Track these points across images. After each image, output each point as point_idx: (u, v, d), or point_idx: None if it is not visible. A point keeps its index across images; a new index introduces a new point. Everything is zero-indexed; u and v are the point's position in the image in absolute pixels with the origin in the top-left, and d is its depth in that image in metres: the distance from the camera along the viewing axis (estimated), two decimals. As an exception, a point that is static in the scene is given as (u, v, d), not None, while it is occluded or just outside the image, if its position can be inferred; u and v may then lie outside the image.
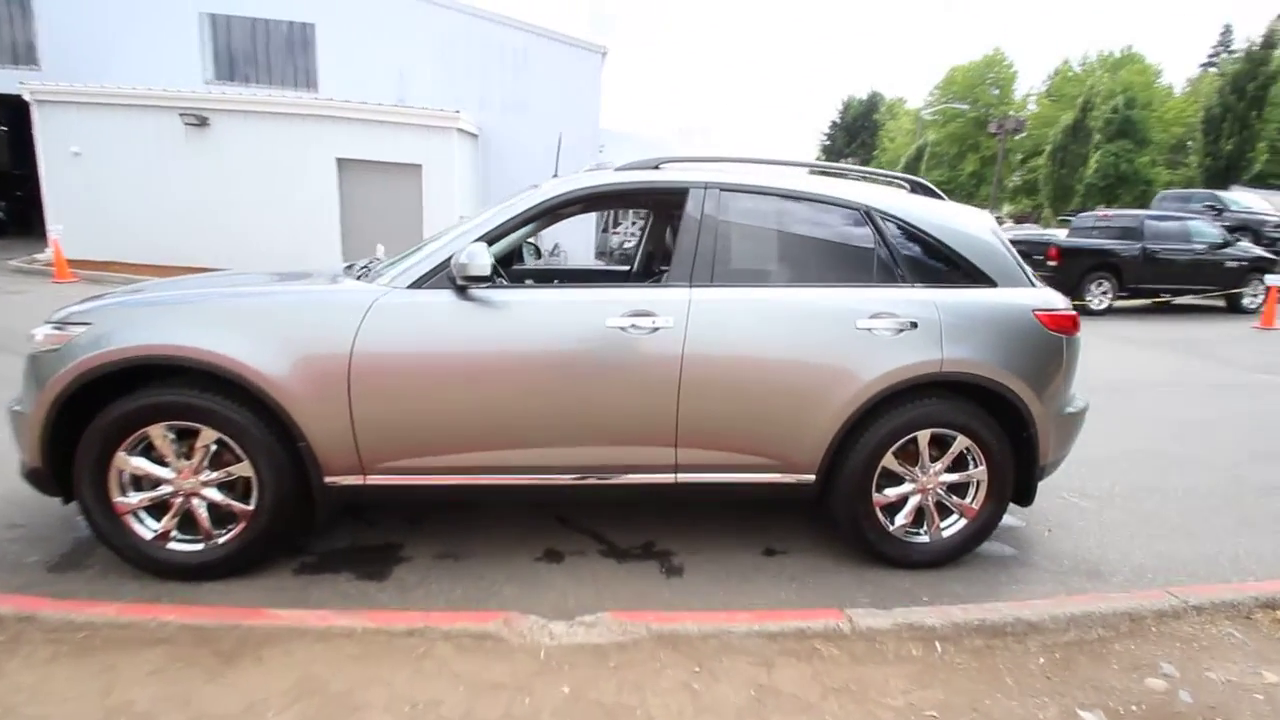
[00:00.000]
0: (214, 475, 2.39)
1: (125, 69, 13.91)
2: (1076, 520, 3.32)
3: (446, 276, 2.40)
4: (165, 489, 2.40)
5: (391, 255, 3.02)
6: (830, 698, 1.88)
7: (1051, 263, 10.98)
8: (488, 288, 2.40)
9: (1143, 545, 3.07)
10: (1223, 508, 3.51)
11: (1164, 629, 2.30)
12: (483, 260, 2.28)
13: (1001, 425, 2.67)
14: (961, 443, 2.65)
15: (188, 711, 1.73)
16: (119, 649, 1.94)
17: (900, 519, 2.70)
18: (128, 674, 1.85)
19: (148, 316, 2.36)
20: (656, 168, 2.69)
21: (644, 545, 2.86)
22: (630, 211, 20.23)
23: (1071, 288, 10.40)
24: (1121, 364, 7.48)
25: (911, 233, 2.68)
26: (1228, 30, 49.14)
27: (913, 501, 2.70)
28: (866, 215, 2.67)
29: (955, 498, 2.73)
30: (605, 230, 20.83)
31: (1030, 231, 17.96)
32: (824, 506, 2.71)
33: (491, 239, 2.48)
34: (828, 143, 58.41)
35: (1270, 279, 10.75)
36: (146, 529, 2.41)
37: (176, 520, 2.42)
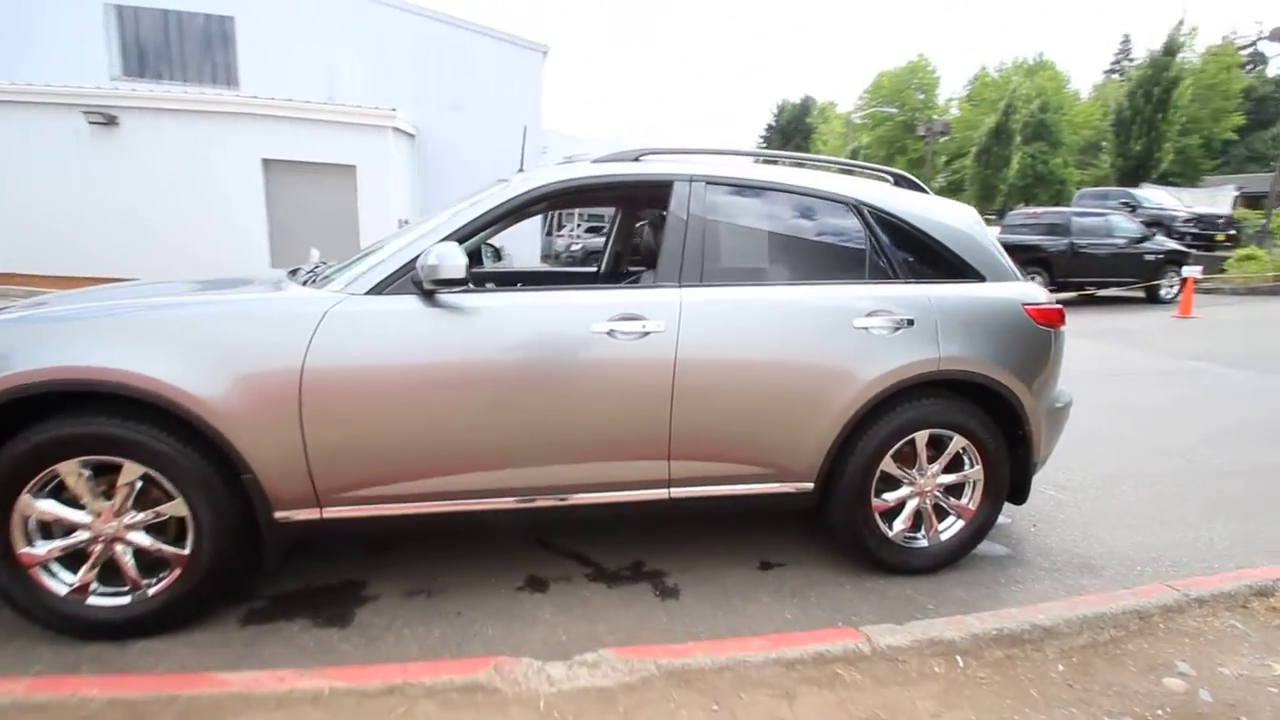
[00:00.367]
0: (140, 516, 2.06)
1: (23, 65, 12.70)
2: (1057, 513, 3.31)
3: (411, 281, 2.15)
4: (81, 535, 2.05)
5: (330, 259, 2.74)
6: (859, 728, 1.73)
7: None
8: (459, 292, 2.15)
9: (1124, 536, 3.08)
10: (1188, 495, 3.58)
11: (1171, 625, 2.27)
12: (456, 261, 2.04)
13: (995, 423, 2.60)
14: (958, 443, 2.57)
15: (119, 811, 1.43)
16: (28, 736, 1.61)
17: (899, 524, 2.60)
18: (40, 768, 1.53)
19: (52, 334, 2.00)
20: (637, 159, 2.50)
21: (633, 566, 2.66)
22: (575, 213, 19.99)
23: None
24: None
25: (900, 227, 2.59)
26: (1127, 40, 52.80)
27: (911, 505, 2.61)
28: (856, 209, 2.55)
29: (952, 499, 2.65)
30: (550, 233, 20.47)
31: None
32: (822, 515, 2.58)
33: (461, 239, 2.23)
34: (764, 145, 59.53)
35: (1186, 270, 11.43)
36: (60, 583, 2.06)
37: (96, 571, 2.07)
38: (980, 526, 2.68)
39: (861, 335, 2.39)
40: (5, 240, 11.24)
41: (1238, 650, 2.16)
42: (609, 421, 2.26)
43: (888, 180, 2.81)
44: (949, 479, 2.62)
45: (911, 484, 2.58)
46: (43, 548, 2.04)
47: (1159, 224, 15.13)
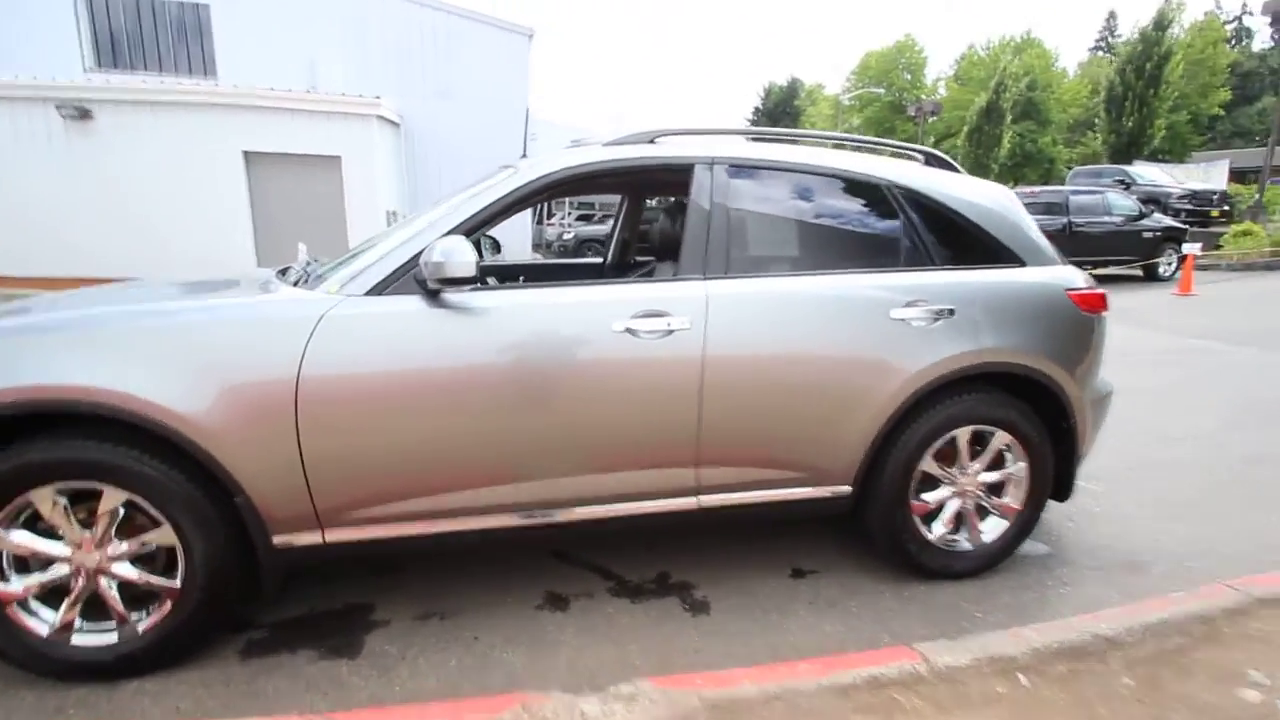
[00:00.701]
0: (125, 547, 1.88)
1: (-10, 58, 12.23)
2: (1092, 506, 3.18)
3: (414, 279, 1.96)
4: (61, 569, 1.87)
5: (318, 255, 2.54)
6: (924, 761, 1.59)
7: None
8: (468, 290, 1.96)
9: (1167, 530, 2.95)
10: (1222, 482, 3.47)
11: (1236, 629, 2.13)
12: (464, 257, 1.85)
13: (1039, 416, 2.45)
14: (1001, 439, 2.42)
15: None
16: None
17: (939, 526, 2.45)
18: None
19: (17, 348, 1.80)
20: (652, 141, 2.31)
21: (657, 578, 2.51)
22: (566, 201, 19.73)
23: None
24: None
25: (935, 210, 2.41)
26: (1112, 16, 52.66)
27: (952, 506, 2.46)
28: (889, 191, 2.38)
29: (994, 498, 2.51)
30: (540, 222, 20.20)
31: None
32: (858, 519, 2.43)
33: (467, 232, 2.04)
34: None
35: (1186, 247, 11.35)
36: (40, 621, 1.88)
37: (79, 607, 1.89)
38: (1024, 526, 2.54)
39: (900, 327, 2.22)
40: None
41: (1309, 654, 2.03)
42: (633, 427, 2.09)
43: (918, 159, 2.63)
44: (991, 477, 2.47)
45: (952, 483, 2.43)
46: (19, 584, 1.85)
47: (1154, 201, 15.05)
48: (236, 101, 11.69)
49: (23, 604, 1.86)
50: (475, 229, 2.10)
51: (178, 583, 1.90)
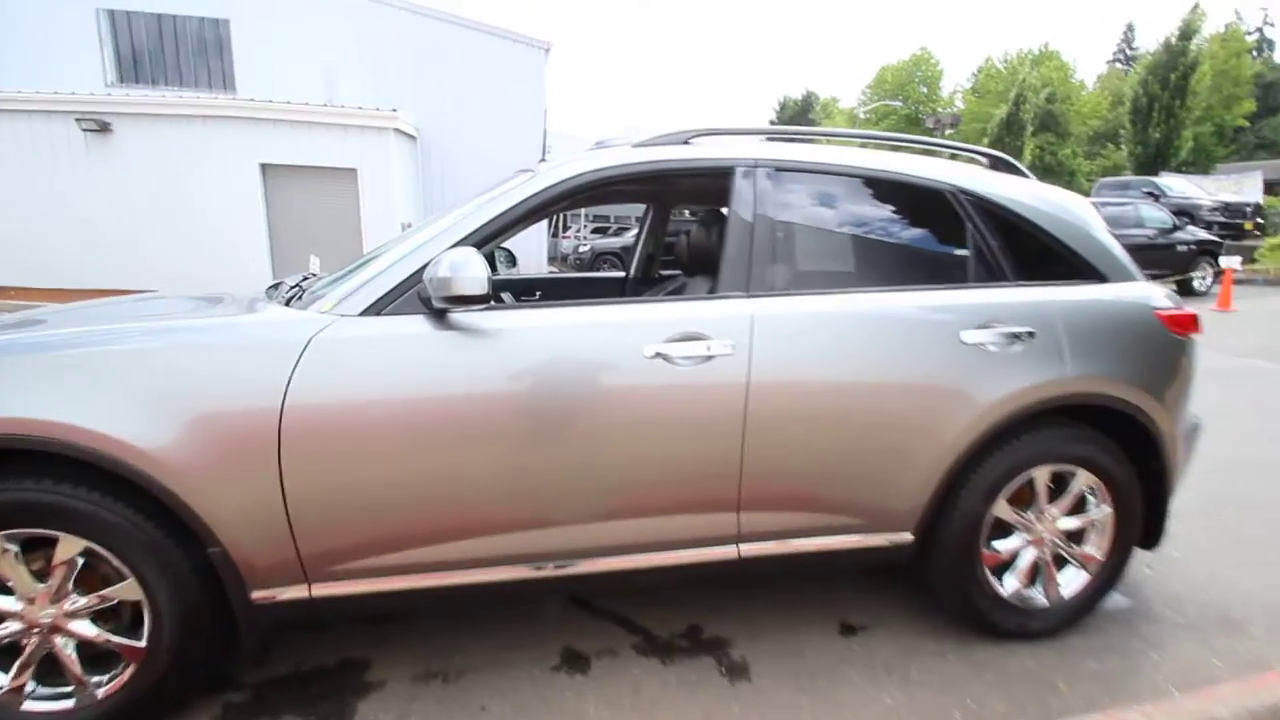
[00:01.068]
0: (83, 601, 1.63)
1: (14, 73, 12.33)
2: (1169, 548, 2.84)
3: (418, 297, 1.71)
4: (11, 626, 1.63)
5: (329, 269, 2.31)
6: None
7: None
8: (479, 310, 1.71)
9: (1257, 578, 2.62)
10: (1305, 519, 3.13)
11: (1376, 711, 1.81)
12: (474, 273, 1.60)
13: (1126, 453, 2.15)
14: (1084, 480, 2.12)
15: None
16: None
17: (1012, 580, 2.15)
18: None
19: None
20: (686, 142, 2.05)
21: (688, 632, 2.22)
22: (582, 213, 19.57)
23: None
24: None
25: (1007, 219, 2.13)
26: (1130, 29, 52.23)
27: (1027, 556, 2.16)
28: (955, 198, 2.10)
29: (1074, 547, 2.20)
30: (555, 235, 20.05)
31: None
32: (919, 571, 2.13)
33: (479, 243, 1.79)
34: (767, 142, 58.93)
35: (1224, 261, 10.92)
36: (-15, 686, 1.63)
37: (33, 669, 1.65)
38: (1108, 578, 2.23)
39: (972, 352, 1.94)
40: (-3, 253, 10.89)
41: None
42: (666, 467, 1.82)
43: (982, 162, 2.36)
44: (1071, 523, 2.17)
45: (1027, 530, 2.13)
46: (-39, 643, 1.61)
47: (1184, 213, 14.59)
48: (254, 114, 11.68)
49: (-34, 666, 1.63)
50: (487, 240, 1.85)
51: (143, 642, 1.66)
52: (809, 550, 1.98)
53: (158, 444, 1.52)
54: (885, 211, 2.11)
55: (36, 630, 1.63)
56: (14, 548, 1.59)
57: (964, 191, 2.11)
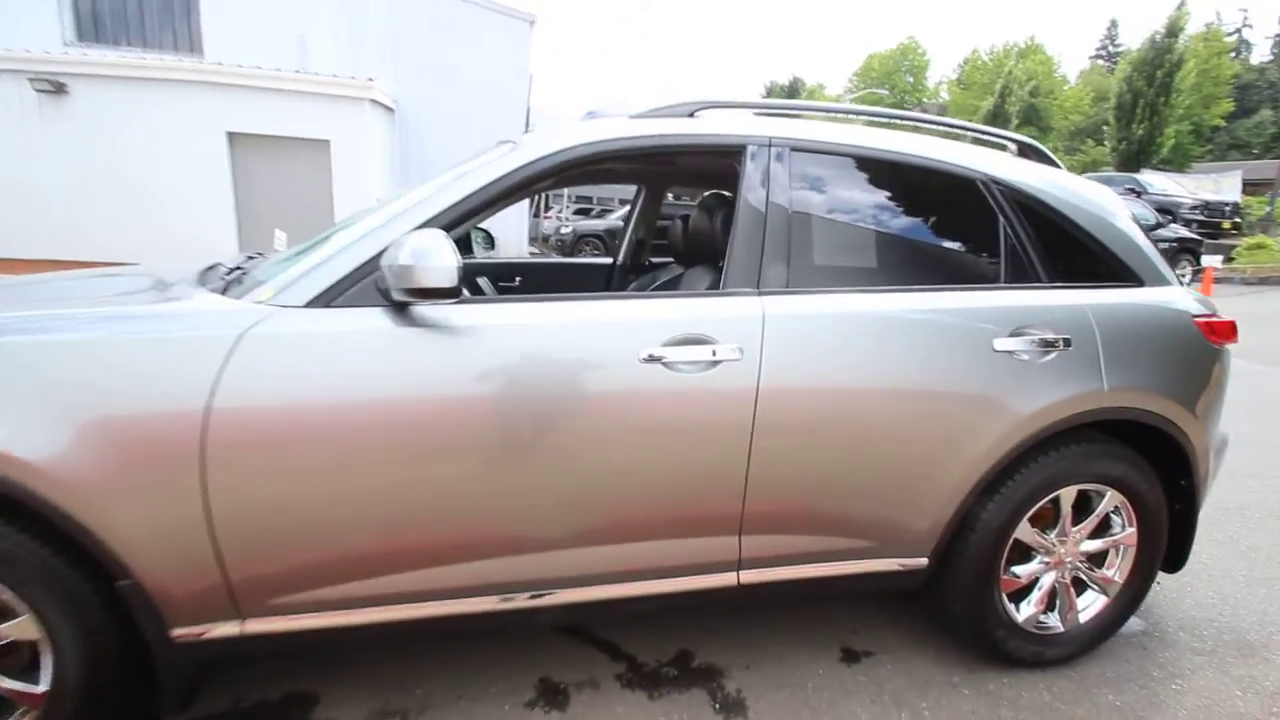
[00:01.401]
0: (-32, 641, 1.37)
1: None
2: (1179, 564, 2.72)
3: (374, 287, 1.46)
4: (-120, 667, 1.37)
5: (295, 247, 2.04)
6: None
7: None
8: (447, 304, 1.47)
9: (1266, 595, 2.51)
10: (1316, 532, 3.02)
11: None
12: (441, 260, 1.35)
13: (1155, 471, 1.99)
14: (1112, 500, 1.95)
15: None
16: None
17: (1028, 606, 1.98)
18: None
19: None
20: (692, 115, 1.81)
21: (677, 658, 2.02)
22: (564, 193, 19.13)
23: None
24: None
25: (1043, 213, 1.93)
26: (1114, 25, 52.63)
27: (1046, 580, 1.99)
28: (988, 188, 1.89)
29: (1094, 570, 2.04)
30: (536, 215, 19.60)
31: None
32: (933, 597, 1.95)
33: (448, 225, 1.54)
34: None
35: (1206, 260, 10.95)
36: None
37: (-93, 716, 1.39)
38: (1129, 603, 2.07)
39: (1004, 361, 1.74)
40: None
41: None
42: (661, 487, 1.60)
43: (1010, 149, 2.15)
44: (1094, 545, 2.00)
45: (1047, 553, 1.96)
46: None
47: (1165, 211, 14.67)
48: (221, 80, 11.09)
49: None
50: (460, 221, 1.59)
51: (42, 687, 1.40)
52: (814, 576, 1.78)
53: (46, 455, 1.26)
54: (912, 201, 1.89)
55: (-87, 672, 1.38)
56: (-119, 578, 1.32)
57: (996, 181, 1.90)
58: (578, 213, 20.00)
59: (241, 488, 1.38)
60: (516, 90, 14.60)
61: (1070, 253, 1.93)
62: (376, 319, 1.44)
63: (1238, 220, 16.16)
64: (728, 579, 1.72)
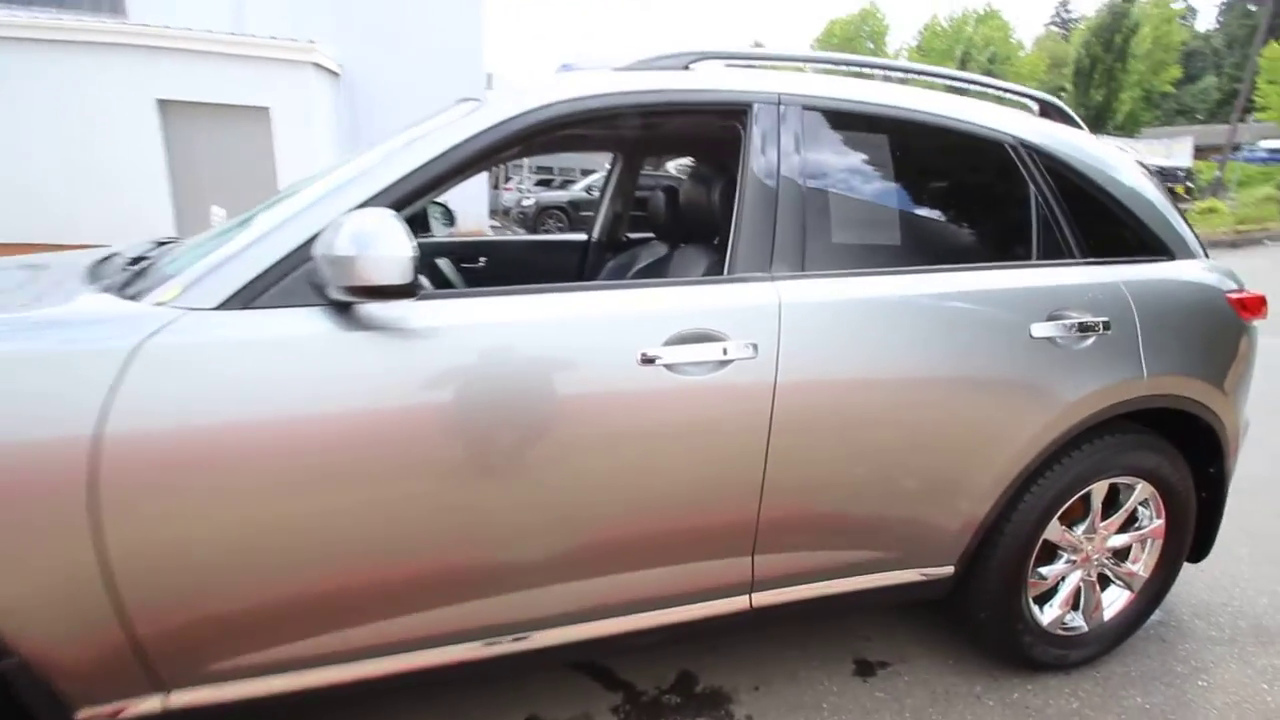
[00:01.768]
0: None
1: None
2: (1182, 544, 2.64)
3: (306, 282, 1.18)
4: None
5: (215, 228, 1.72)
6: None
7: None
8: (402, 304, 1.19)
9: (1276, 574, 2.44)
10: (1306, 502, 2.99)
11: None
12: (391, 249, 1.08)
13: (1186, 459, 1.85)
14: (1142, 492, 1.80)
15: None
16: None
17: (1053, 608, 1.83)
18: None
19: None
20: (686, 68, 1.55)
21: (679, 682, 1.83)
22: (524, 163, 18.46)
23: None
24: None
25: (1074, 181, 1.73)
26: (1068, -7, 53.10)
27: (1071, 580, 1.84)
28: (1017, 153, 1.68)
29: (1121, 565, 1.90)
30: (496, 186, 18.92)
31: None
32: (957, 605, 1.79)
33: (402, 201, 1.26)
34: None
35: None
36: None
37: None
38: (1153, 598, 1.96)
39: (1043, 348, 1.56)
40: None
41: None
42: (662, 508, 1.38)
43: (1031, 109, 1.94)
44: (1121, 540, 1.86)
45: (1075, 551, 1.81)
46: None
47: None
48: (148, 42, 10.24)
49: None
50: (415, 196, 1.30)
51: (-91, 790, 1.13)
52: (832, 594, 1.59)
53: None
54: (938, 167, 1.68)
55: None
56: None
57: (1025, 145, 1.69)
58: (539, 184, 19.38)
59: (145, 527, 1.10)
60: (471, 54, 13.90)
61: (1103, 225, 1.75)
62: (310, 322, 1.16)
63: (1190, 185, 16.53)
64: (739, 604, 1.52)
